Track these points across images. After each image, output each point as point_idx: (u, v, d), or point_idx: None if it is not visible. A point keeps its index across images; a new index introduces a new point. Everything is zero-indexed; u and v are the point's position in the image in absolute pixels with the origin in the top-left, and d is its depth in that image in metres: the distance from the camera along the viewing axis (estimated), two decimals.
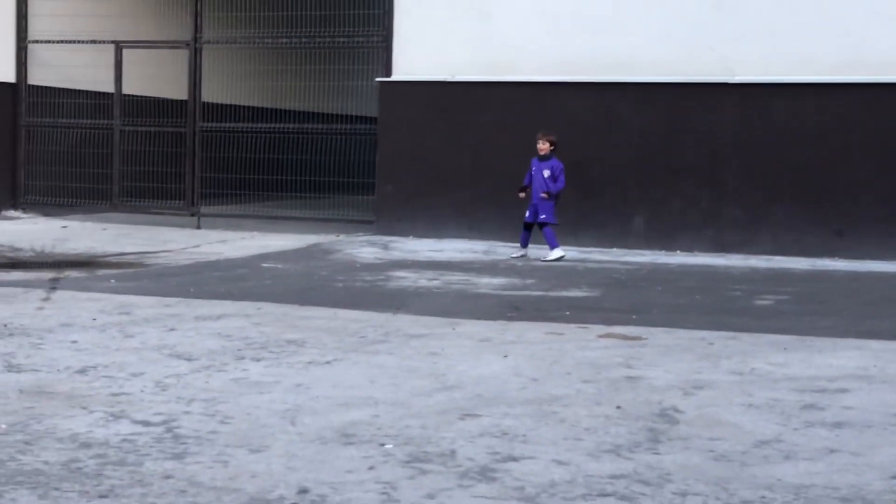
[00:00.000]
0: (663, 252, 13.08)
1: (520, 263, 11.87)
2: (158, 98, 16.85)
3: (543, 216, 12.18)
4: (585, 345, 6.96)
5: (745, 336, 7.37)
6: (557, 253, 12.09)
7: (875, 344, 7.11)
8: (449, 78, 14.11)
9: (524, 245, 12.48)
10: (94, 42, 16.24)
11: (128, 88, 16.47)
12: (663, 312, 8.50)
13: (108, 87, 16.38)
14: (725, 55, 13.11)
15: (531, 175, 12.36)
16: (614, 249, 13.14)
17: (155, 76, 16.96)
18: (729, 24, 13.14)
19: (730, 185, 13.15)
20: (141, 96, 16.72)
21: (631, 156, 13.47)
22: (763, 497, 3.95)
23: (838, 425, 5.01)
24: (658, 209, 13.38)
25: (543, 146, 12.35)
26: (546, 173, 12.24)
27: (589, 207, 13.53)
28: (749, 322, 8.06)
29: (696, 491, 4.01)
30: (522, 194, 12.40)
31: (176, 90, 16.47)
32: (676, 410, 5.25)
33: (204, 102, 16.07)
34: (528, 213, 12.36)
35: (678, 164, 13.26)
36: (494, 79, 13.95)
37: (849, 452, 4.56)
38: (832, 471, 4.29)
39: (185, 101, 16.11)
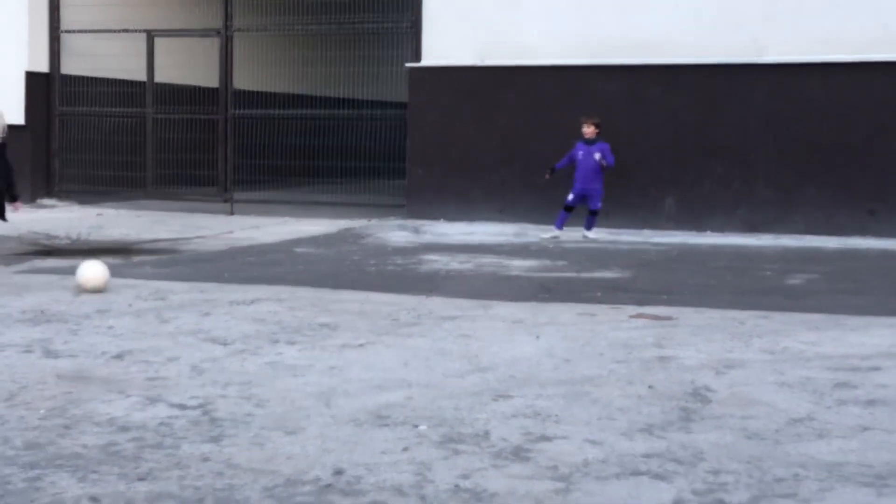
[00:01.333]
0: (694, 233, 13.07)
1: (551, 246, 11.88)
2: (190, 86, 16.96)
3: (597, 204, 12.47)
4: (617, 325, 6.97)
5: (776, 315, 7.36)
6: (593, 234, 12.40)
7: None
8: (478, 62, 14.12)
9: (560, 227, 12.50)
10: (125, 31, 16.36)
11: (160, 77, 16.59)
12: (694, 293, 8.50)
13: (141, 76, 16.51)
14: (755, 35, 13.05)
15: (571, 158, 12.44)
16: (645, 231, 13.14)
17: (186, 64, 17.06)
18: (758, 4, 13.07)
19: (761, 165, 13.10)
20: (173, 84, 16.83)
21: (661, 138, 13.45)
22: (796, 475, 3.97)
23: (871, 403, 5.01)
24: (689, 190, 13.36)
25: (589, 129, 12.43)
26: (597, 156, 12.37)
27: (619, 189, 13.50)
28: (780, 301, 8.05)
29: (729, 469, 4.03)
30: (548, 175, 12.47)
31: (208, 78, 16.57)
32: (708, 389, 5.27)
33: (235, 90, 16.16)
34: (571, 197, 12.42)
35: (709, 145, 13.22)
36: (523, 63, 13.94)
37: (882, 430, 4.56)
38: (866, 448, 4.30)
39: (217, 88, 16.21)
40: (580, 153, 12.47)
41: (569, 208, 12.52)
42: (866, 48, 12.68)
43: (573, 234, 12.61)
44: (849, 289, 8.84)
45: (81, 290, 8.08)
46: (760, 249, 11.64)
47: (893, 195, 12.68)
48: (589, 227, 12.59)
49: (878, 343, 6.40)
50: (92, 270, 8.15)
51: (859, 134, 12.77)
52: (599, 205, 12.50)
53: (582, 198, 12.49)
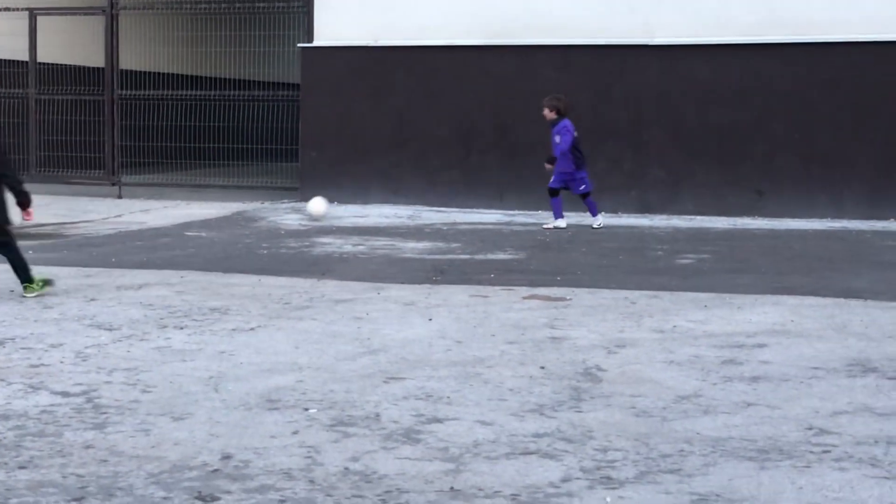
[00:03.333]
0: (588, 214, 13.14)
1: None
2: (75, 66, 16.55)
3: (577, 188, 11.86)
4: (510, 307, 6.99)
5: (667, 294, 7.45)
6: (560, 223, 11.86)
7: (792, 300, 7.23)
8: (372, 43, 14.04)
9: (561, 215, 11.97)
10: (6, 10, 15.91)
11: (43, 56, 16.15)
12: (587, 273, 8.57)
13: (23, 56, 16.07)
14: (646, 17, 13.18)
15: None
16: (539, 212, 13.20)
17: (71, 44, 16.65)
18: None
19: (652, 146, 13.26)
20: (57, 64, 16.41)
21: None
22: (682, 450, 4.01)
23: (756, 379, 5.09)
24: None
25: (547, 113, 11.89)
26: (557, 139, 11.86)
27: (513, 171, 13.56)
28: (671, 281, 8.15)
29: (617, 447, 4.06)
30: (549, 166, 11.96)
31: (93, 58, 16.18)
32: (599, 369, 5.31)
33: (122, 70, 15.82)
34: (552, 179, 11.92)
35: (601, 125, 13.32)
36: (417, 43, 13.89)
37: (766, 406, 4.64)
38: (749, 423, 4.37)
39: (103, 68, 15.85)
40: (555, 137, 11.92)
41: (554, 192, 11.94)
42: (755, 30, 12.89)
43: (469, 217, 12.64)
44: (736, 268, 8.99)
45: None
46: (652, 230, 11.78)
47: (780, 176, 12.93)
48: (594, 214, 11.94)
49: (763, 320, 6.52)
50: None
51: (747, 115, 12.99)
52: (581, 188, 11.85)
53: (563, 182, 11.90)
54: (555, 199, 11.91)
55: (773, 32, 12.85)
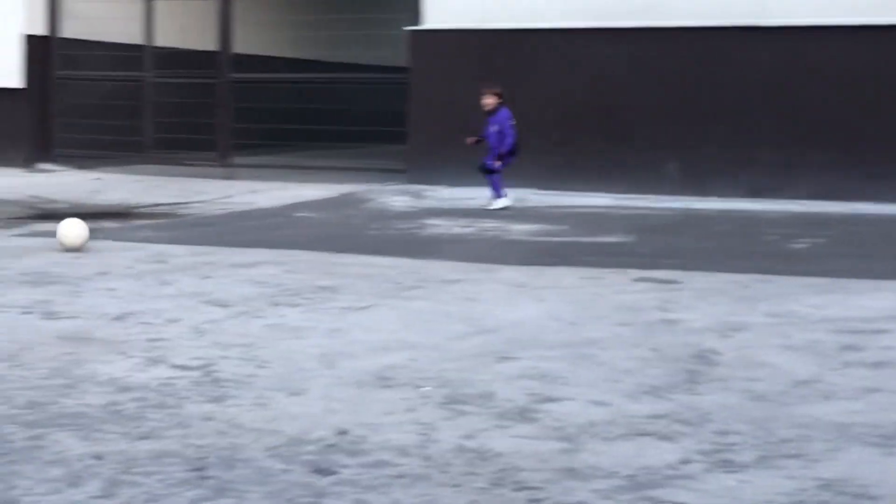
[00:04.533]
0: (697, 198, 12.99)
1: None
2: (189, 49, 16.85)
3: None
4: (621, 289, 6.94)
5: (781, 279, 7.32)
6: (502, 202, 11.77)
7: None
8: (480, 25, 14.01)
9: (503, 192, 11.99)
10: None
11: (158, 40, 16.46)
12: (698, 257, 8.46)
13: (139, 39, 16.38)
14: None
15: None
16: (648, 196, 13.07)
17: (185, 27, 16.94)
18: None
19: (764, 129, 13.02)
20: (171, 48, 16.71)
21: (663, 102, 13.36)
22: (803, 435, 3.94)
23: (878, 365, 4.97)
24: (691, 155, 13.28)
25: (488, 101, 11.78)
26: (494, 128, 11.80)
27: (620, 154, 13.44)
28: (785, 265, 8.00)
29: (735, 430, 4.00)
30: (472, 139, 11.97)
31: (206, 41, 16.44)
32: (714, 352, 5.24)
33: (234, 53, 16.04)
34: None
35: (711, 109, 13.13)
36: (524, 25, 13.83)
37: (889, 391, 4.53)
38: (873, 410, 4.27)
39: (216, 51, 16.09)
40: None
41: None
42: (872, 12, 12.57)
43: (576, 200, 12.59)
44: (853, 253, 8.80)
45: (62, 247, 8.14)
46: (764, 214, 11.59)
47: None
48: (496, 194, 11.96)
49: (883, 306, 6.37)
50: (70, 229, 8.22)
51: (863, 97, 12.69)
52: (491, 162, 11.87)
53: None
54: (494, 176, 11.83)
55: (889, 14, 12.52)
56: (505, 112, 11.91)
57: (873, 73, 12.65)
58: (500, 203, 11.81)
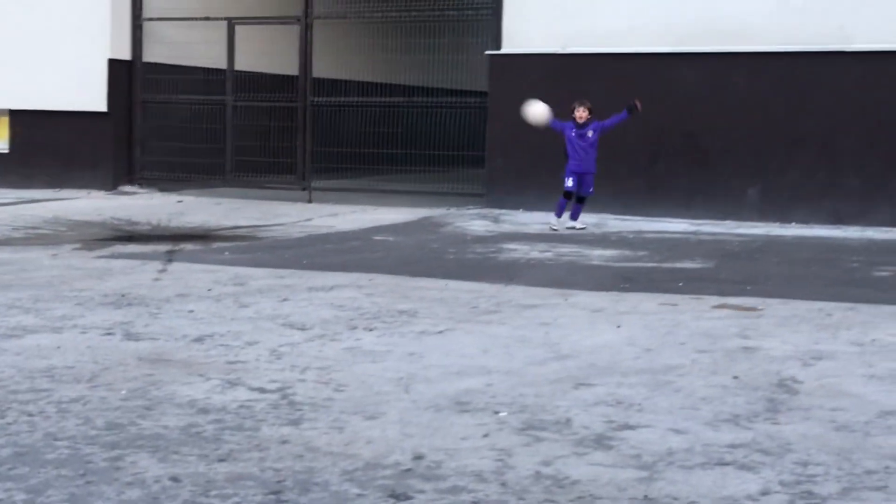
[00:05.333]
0: (778, 224, 12.84)
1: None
2: (270, 73, 17.04)
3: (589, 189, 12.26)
4: (700, 315, 6.86)
5: (864, 307, 7.18)
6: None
7: None
8: (560, 50, 14.00)
9: (560, 215, 12.25)
10: (207, 19, 16.46)
11: (240, 64, 16.68)
12: (779, 284, 8.34)
13: (221, 64, 16.61)
14: (843, 21, 12.77)
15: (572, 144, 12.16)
16: (727, 222, 12.93)
17: (266, 52, 17.14)
18: None
19: (847, 155, 12.83)
20: (253, 72, 16.92)
21: (745, 127, 13.22)
22: (888, 467, 3.85)
23: None
24: (773, 181, 13.12)
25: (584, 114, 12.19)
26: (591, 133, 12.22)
27: (702, 179, 13.32)
28: (868, 293, 7.86)
29: (818, 461, 3.92)
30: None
31: (287, 65, 16.62)
32: (795, 381, 5.15)
33: (314, 77, 16.20)
34: (572, 182, 12.17)
35: (794, 134, 12.97)
36: (606, 50, 13.79)
37: None
38: None
39: (296, 76, 16.26)
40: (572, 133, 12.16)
41: (568, 195, 12.21)
42: None
43: (656, 225, 12.49)
44: None
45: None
46: (847, 241, 11.40)
47: None
48: (575, 217, 12.29)
49: None
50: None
51: None
52: (592, 190, 12.25)
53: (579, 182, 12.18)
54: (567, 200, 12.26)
55: None
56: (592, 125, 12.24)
57: None
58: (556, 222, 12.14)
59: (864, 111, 12.74)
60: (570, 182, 12.19)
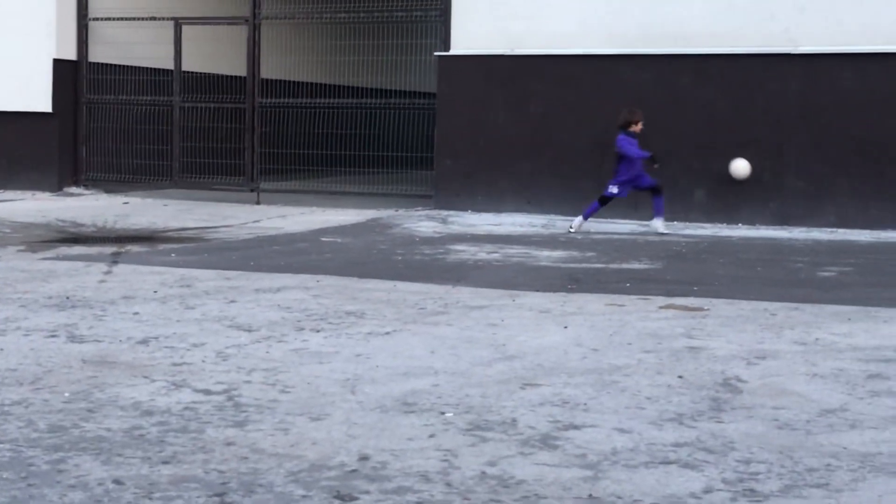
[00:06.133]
0: (725, 225, 12.96)
1: (579, 237, 11.77)
2: (217, 74, 16.94)
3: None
4: (646, 316, 6.90)
5: (808, 307, 7.27)
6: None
7: None
8: (508, 51, 14.04)
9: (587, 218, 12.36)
10: (153, 19, 16.34)
11: (187, 65, 16.57)
12: (725, 284, 8.41)
13: (168, 64, 16.49)
14: (788, 25, 12.91)
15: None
16: (674, 223, 13.02)
17: (214, 53, 17.05)
18: None
19: (793, 157, 12.97)
20: (200, 73, 16.82)
21: (692, 129, 13.34)
22: (829, 465, 3.89)
23: None
24: (720, 182, 13.22)
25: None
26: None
27: None
28: (812, 293, 7.95)
29: (760, 459, 3.96)
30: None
31: (235, 66, 16.54)
32: (739, 380, 5.19)
33: (263, 78, 16.13)
34: (618, 189, 12.15)
35: (740, 136, 13.09)
36: (552, 52, 13.85)
37: None
38: None
39: (244, 77, 16.18)
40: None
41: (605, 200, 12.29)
42: None
43: (598, 226, 12.56)
44: (881, 281, 8.73)
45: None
46: (792, 242, 11.53)
47: None
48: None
49: None
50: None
51: (892, 124, 12.62)
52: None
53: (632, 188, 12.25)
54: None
55: None
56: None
57: None
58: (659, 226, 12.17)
59: (810, 113, 12.89)
60: (616, 189, 12.18)
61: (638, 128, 12.10)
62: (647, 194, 12.57)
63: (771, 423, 4.46)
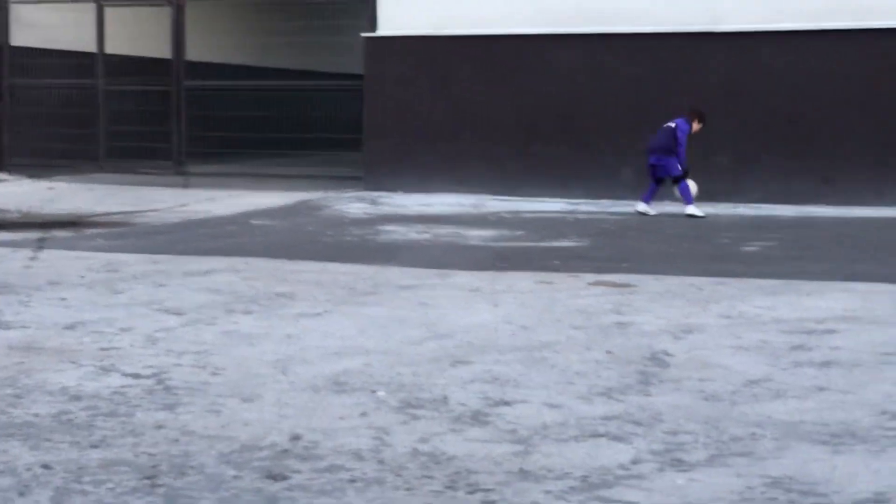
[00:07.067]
0: (652, 203, 13.07)
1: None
2: (142, 57, 16.74)
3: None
4: (576, 293, 6.96)
5: (733, 281, 7.38)
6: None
7: (861, 286, 7.14)
8: (435, 32, 14.03)
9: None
10: (75, 1, 16.10)
11: (111, 48, 16.35)
12: (653, 260, 8.51)
13: (92, 47, 16.27)
14: (711, 4, 13.05)
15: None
16: (603, 201, 13.14)
17: (138, 35, 16.83)
18: None
19: (719, 134, 13.11)
20: (124, 55, 16.60)
21: (619, 107, 13.44)
22: (753, 434, 3.97)
23: (827, 365, 5.03)
24: (646, 160, 13.33)
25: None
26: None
27: (577, 160, 13.50)
28: (737, 268, 8.07)
29: (687, 430, 4.03)
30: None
31: (159, 49, 16.35)
32: (667, 354, 5.27)
33: (188, 61, 15.97)
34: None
35: (666, 114, 13.19)
36: (480, 32, 13.87)
37: (838, 390, 4.58)
38: (822, 408, 4.31)
39: (169, 59, 16.00)
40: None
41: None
42: (824, 17, 12.71)
43: (533, 206, 12.63)
44: (804, 255, 8.89)
45: None
46: (718, 218, 11.68)
47: (849, 164, 12.76)
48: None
49: (832, 307, 6.44)
50: None
51: (816, 102, 12.83)
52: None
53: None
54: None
55: (842, 18, 12.67)
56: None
57: (826, 77, 12.79)
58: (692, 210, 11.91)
59: (734, 91, 13.05)
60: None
61: (696, 128, 12.05)
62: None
63: (697, 394, 4.53)
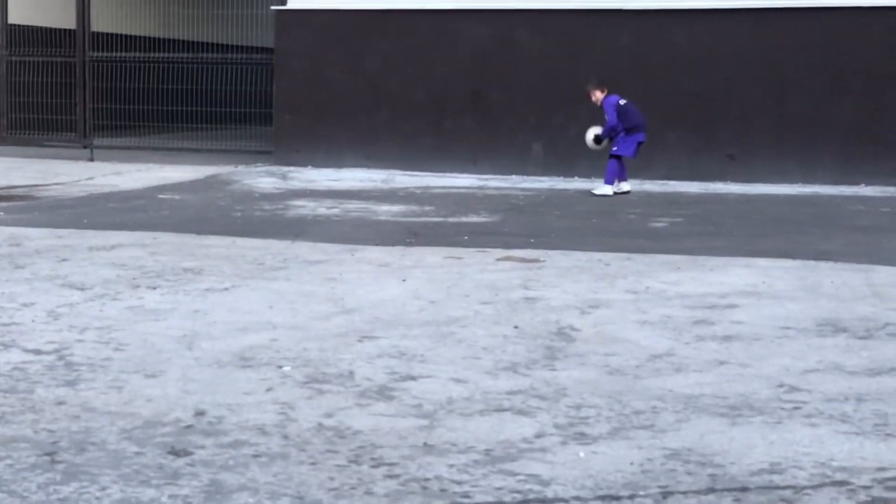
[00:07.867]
0: (561, 178, 13.20)
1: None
2: (46, 27, 16.41)
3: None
4: (484, 268, 7.00)
5: (640, 257, 7.48)
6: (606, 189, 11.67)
7: (763, 262, 7.28)
8: (345, 6, 13.95)
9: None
10: None
11: (14, 18, 15.99)
12: (561, 236, 8.58)
13: None
14: None
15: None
16: (513, 177, 13.21)
17: (41, 5, 16.49)
18: None
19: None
20: (27, 25, 16.26)
21: (528, 83, 13.50)
22: (654, 407, 4.04)
23: (728, 339, 5.12)
24: (556, 136, 13.45)
25: (596, 96, 11.78)
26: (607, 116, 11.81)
27: (487, 135, 13.55)
28: (644, 244, 8.18)
29: (590, 403, 4.08)
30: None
31: (64, 19, 16.04)
32: (573, 329, 5.32)
33: (93, 32, 15.68)
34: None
35: (576, 91, 13.29)
36: (392, 6, 13.83)
37: (737, 364, 4.67)
38: (721, 381, 4.39)
39: (74, 30, 15.70)
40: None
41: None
42: None
43: (443, 181, 12.64)
44: (708, 231, 9.03)
45: None
46: (626, 194, 11.78)
47: (752, 141, 12.97)
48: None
49: (734, 282, 6.55)
50: None
51: (720, 80, 13.01)
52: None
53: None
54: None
55: None
56: (610, 99, 11.71)
57: (730, 55, 12.98)
58: (603, 190, 11.64)
59: (641, 68, 13.18)
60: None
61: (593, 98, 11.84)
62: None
63: (602, 369, 4.59)
